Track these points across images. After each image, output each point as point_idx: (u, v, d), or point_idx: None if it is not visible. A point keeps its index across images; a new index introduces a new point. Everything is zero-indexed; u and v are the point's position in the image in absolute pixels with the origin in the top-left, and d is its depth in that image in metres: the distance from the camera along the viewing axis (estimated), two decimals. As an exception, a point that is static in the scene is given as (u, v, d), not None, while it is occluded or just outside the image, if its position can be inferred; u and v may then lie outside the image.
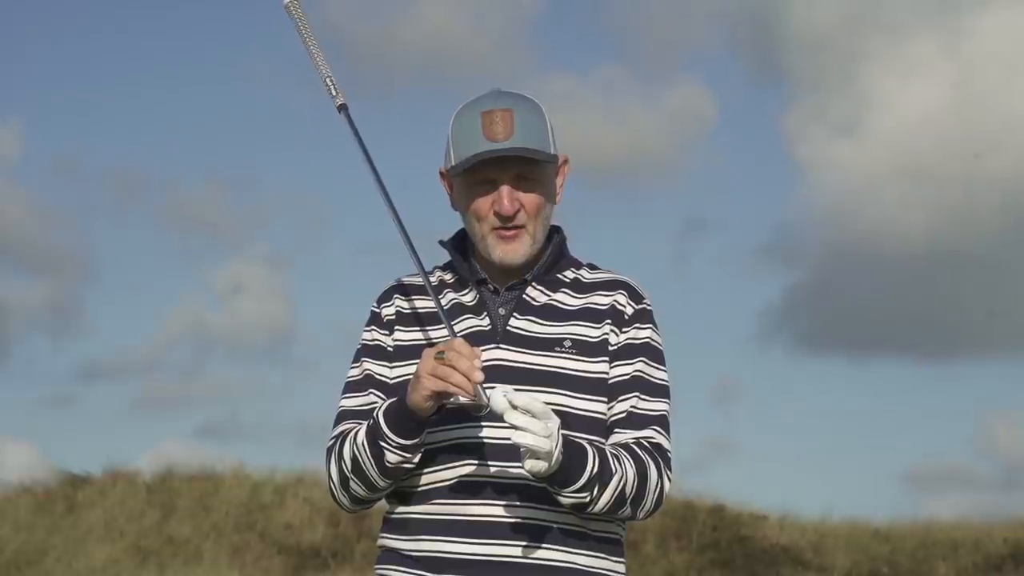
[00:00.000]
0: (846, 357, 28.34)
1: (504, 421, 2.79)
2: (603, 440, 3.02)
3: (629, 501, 2.95)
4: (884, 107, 26.87)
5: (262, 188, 29.78)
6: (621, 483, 2.92)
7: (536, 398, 2.81)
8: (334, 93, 3.13)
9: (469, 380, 2.80)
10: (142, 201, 29.39)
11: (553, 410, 2.94)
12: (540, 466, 2.79)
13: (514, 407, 2.78)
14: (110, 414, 27.68)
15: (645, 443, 3.01)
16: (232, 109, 28.69)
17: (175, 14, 28.49)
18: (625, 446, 2.99)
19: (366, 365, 3.12)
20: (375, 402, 3.07)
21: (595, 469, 2.88)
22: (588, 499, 2.90)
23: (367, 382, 3.11)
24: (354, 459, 2.98)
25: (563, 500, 2.91)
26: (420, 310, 3.12)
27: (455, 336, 2.93)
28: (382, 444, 2.93)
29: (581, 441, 2.91)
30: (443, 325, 3.03)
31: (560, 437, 2.82)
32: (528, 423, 2.76)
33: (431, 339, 3.08)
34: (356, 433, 2.99)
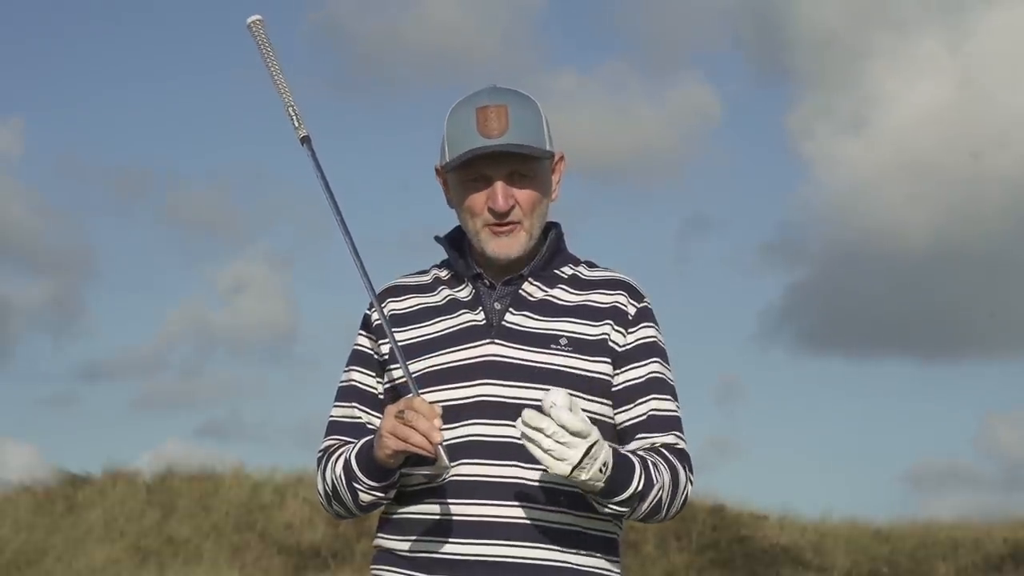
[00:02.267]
0: (848, 356, 28.35)
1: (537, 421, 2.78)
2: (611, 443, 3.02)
3: (664, 508, 2.97)
4: (889, 105, 26.86)
5: (263, 187, 29.80)
6: (659, 495, 2.93)
7: (581, 420, 2.78)
8: (296, 125, 3.09)
9: (429, 441, 2.81)
10: (143, 200, 29.43)
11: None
12: (542, 458, 2.77)
13: (553, 417, 2.76)
14: (111, 414, 27.71)
15: (673, 448, 3.03)
16: (234, 108, 28.72)
17: (177, 13, 28.51)
18: (657, 451, 3.00)
19: (352, 374, 3.14)
20: (358, 416, 3.10)
21: (639, 486, 2.89)
22: (628, 511, 2.92)
23: (351, 393, 3.13)
24: (334, 486, 3.03)
25: (601, 509, 2.92)
26: (413, 308, 3.12)
27: (416, 392, 2.93)
28: (355, 485, 2.98)
29: (629, 456, 2.90)
30: (438, 319, 3.05)
31: (600, 453, 2.80)
32: (533, 435, 2.76)
33: (424, 336, 3.07)
34: (336, 461, 3.02)
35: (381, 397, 3.10)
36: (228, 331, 29.16)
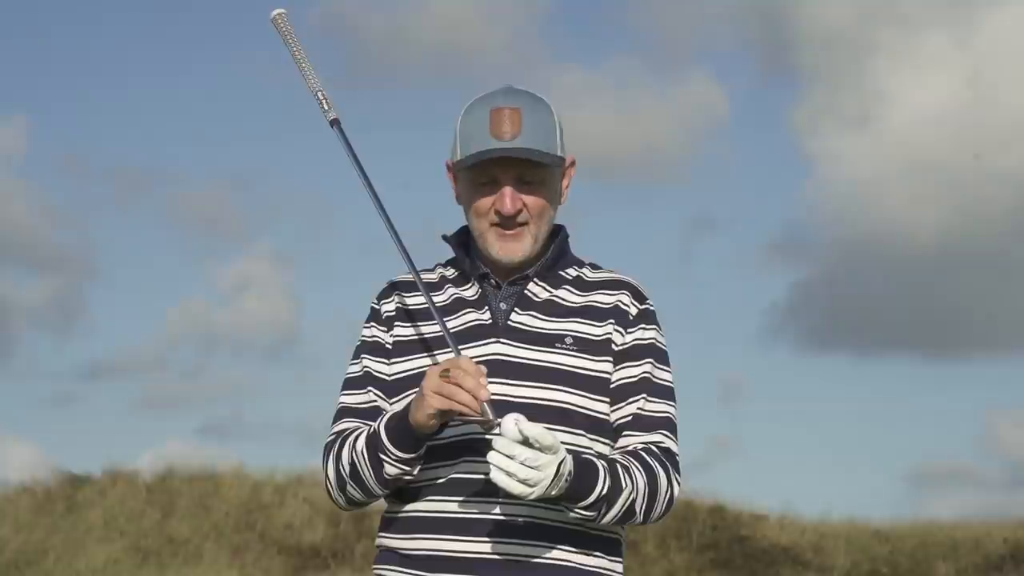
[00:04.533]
0: (852, 355, 28.29)
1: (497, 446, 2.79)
2: (606, 439, 3.03)
3: (640, 511, 2.96)
4: (895, 102, 26.79)
5: (266, 186, 29.75)
6: (630, 498, 2.93)
7: (548, 432, 2.80)
8: (326, 108, 3.11)
9: (475, 398, 2.80)
10: (146, 199, 29.38)
11: (555, 407, 2.96)
12: (519, 491, 2.78)
13: (524, 436, 2.77)
14: (112, 413, 27.67)
15: (654, 448, 3.01)
16: (236, 107, 28.68)
17: (179, 13, 28.50)
18: (635, 453, 2.99)
19: (365, 362, 3.12)
20: (374, 400, 3.09)
21: (604, 490, 2.89)
22: (595, 516, 2.91)
23: (366, 380, 3.11)
24: (353, 466, 2.99)
25: (570, 514, 2.91)
26: (420, 306, 3.12)
27: (459, 352, 2.92)
28: (382, 456, 2.94)
29: (593, 460, 2.90)
30: (444, 318, 3.03)
31: (566, 468, 2.81)
32: (507, 464, 2.76)
33: (431, 334, 3.07)
34: (356, 439, 3.00)
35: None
36: (229, 330, 29.14)
